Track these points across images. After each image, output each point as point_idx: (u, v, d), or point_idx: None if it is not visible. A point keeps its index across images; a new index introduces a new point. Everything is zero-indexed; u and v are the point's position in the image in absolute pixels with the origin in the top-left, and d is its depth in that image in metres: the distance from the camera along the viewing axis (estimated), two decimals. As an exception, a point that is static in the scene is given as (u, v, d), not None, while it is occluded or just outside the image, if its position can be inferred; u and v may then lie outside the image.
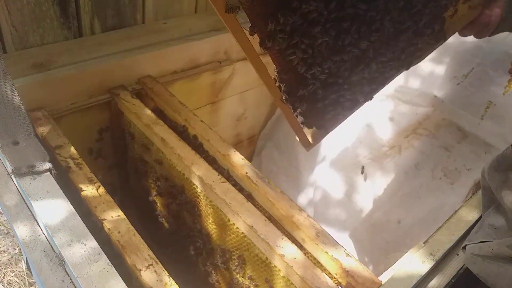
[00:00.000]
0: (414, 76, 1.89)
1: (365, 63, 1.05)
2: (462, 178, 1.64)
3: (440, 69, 1.87)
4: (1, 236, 2.66)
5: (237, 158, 1.41)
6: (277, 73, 0.96)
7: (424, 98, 1.82)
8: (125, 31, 1.76)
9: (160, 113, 1.62)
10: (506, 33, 1.90)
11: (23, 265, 2.49)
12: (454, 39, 1.78)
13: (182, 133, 1.53)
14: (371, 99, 1.16)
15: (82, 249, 1.02)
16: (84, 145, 1.66)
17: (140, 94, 1.67)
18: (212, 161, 1.44)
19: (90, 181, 1.28)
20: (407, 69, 1.19)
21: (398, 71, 1.18)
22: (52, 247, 1.07)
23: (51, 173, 1.18)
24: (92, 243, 1.03)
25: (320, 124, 1.14)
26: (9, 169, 1.18)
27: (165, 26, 1.82)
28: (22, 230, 1.11)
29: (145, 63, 1.68)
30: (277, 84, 0.98)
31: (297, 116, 1.07)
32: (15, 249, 2.63)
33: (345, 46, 0.96)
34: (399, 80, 1.93)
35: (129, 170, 1.79)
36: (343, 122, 1.18)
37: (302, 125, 1.11)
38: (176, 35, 1.78)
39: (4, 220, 2.74)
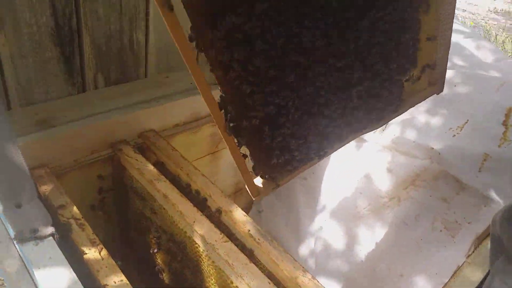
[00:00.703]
0: (410, 128, 1.94)
1: (316, 106, 1.01)
2: (463, 231, 1.65)
3: (436, 121, 1.92)
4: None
5: (239, 215, 1.42)
6: (220, 96, 0.92)
7: (421, 150, 1.85)
8: (128, 85, 1.79)
9: (162, 167, 1.63)
10: (498, 83, 1.97)
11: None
12: (447, 90, 1.84)
13: (185, 188, 1.54)
14: (323, 157, 1.10)
15: (86, 321, 0.99)
16: (86, 201, 1.65)
17: (142, 148, 1.68)
18: (214, 218, 1.43)
19: (93, 243, 1.27)
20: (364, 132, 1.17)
21: (354, 133, 1.15)
22: (53, 317, 1.05)
23: (54, 238, 1.17)
24: (96, 315, 1.01)
25: (268, 171, 1.05)
26: (12, 233, 1.16)
27: (167, 80, 1.86)
28: (22, 299, 1.09)
29: (148, 118, 1.70)
30: (221, 111, 0.93)
31: (245, 157, 0.99)
32: (6, 298, 2.55)
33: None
34: (395, 131, 1.97)
35: (130, 224, 1.77)
36: (297, 176, 1.10)
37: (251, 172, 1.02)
38: (179, 88, 1.81)
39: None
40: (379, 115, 1.18)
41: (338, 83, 1.03)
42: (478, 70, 1.98)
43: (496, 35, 5.46)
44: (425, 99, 1.27)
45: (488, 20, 6.23)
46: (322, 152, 1.10)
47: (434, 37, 1.18)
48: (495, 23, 6.15)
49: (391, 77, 1.13)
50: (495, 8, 6.78)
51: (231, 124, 0.94)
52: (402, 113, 1.25)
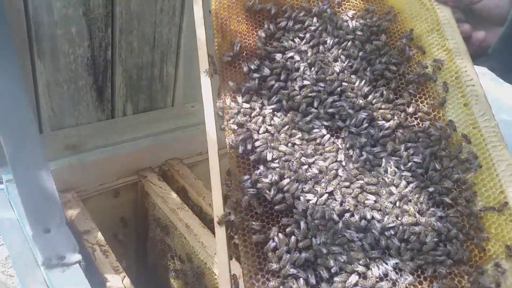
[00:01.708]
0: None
1: None
2: None
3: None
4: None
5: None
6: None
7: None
8: (155, 113, 1.84)
9: (184, 195, 1.65)
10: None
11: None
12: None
13: (206, 218, 1.55)
14: None
15: None
16: (109, 225, 1.68)
17: (166, 175, 1.71)
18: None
19: (116, 271, 1.29)
20: None
21: None
22: None
23: (80, 265, 1.19)
24: None
25: None
26: (40, 259, 1.19)
27: (193, 109, 1.90)
28: (46, 325, 1.10)
29: (173, 146, 1.74)
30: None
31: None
32: (20, 315, 2.56)
33: None
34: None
35: (149, 250, 1.79)
36: None
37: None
38: (203, 118, 1.84)
39: (12, 283, 2.70)
40: None
41: None
42: (502, 115, 1.97)
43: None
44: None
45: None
46: None
47: None
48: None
49: None
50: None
51: None
52: None
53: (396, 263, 0.87)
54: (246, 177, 0.94)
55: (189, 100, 1.93)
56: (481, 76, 1.15)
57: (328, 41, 1.14)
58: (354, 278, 0.84)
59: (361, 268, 0.85)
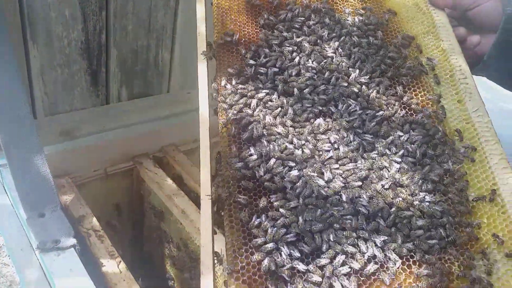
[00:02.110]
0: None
1: None
2: None
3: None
4: (3, 290, 2.61)
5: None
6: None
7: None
8: (151, 99, 1.83)
9: (180, 181, 1.64)
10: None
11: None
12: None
13: (202, 204, 1.55)
14: None
15: (104, 336, 1.00)
16: (104, 211, 1.67)
17: (161, 162, 1.70)
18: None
19: (111, 256, 1.28)
20: None
21: None
22: (71, 329, 1.06)
23: (75, 249, 1.19)
24: (114, 330, 1.01)
25: None
26: (34, 243, 1.18)
27: (189, 96, 1.88)
28: (41, 308, 1.10)
29: (169, 132, 1.73)
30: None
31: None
32: (16, 304, 2.56)
33: None
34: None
35: (144, 237, 1.78)
36: None
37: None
38: (199, 104, 1.84)
39: (7, 272, 2.69)
40: None
41: None
42: (501, 103, 1.98)
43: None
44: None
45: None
46: None
47: None
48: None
49: None
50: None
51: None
52: None
53: (384, 241, 0.86)
54: (236, 153, 0.94)
55: (185, 86, 1.91)
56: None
57: (326, 34, 1.16)
58: (341, 258, 0.84)
59: (350, 248, 0.85)
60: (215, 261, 0.86)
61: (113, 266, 1.25)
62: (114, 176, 1.63)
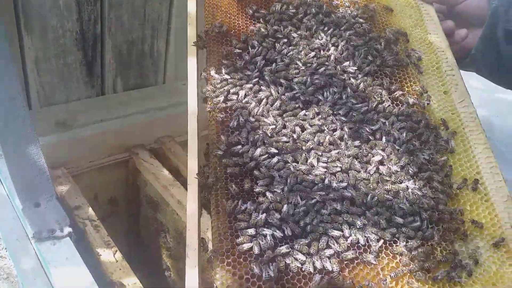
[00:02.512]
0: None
1: None
2: None
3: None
4: (0, 281, 2.61)
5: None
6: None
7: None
8: (146, 90, 1.82)
9: (177, 172, 1.65)
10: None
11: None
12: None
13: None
14: None
15: (100, 323, 1.01)
16: (99, 202, 1.67)
17: (158, 153, 1.70)
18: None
19: (107, 245, 1.29)
20: None
21: None
22: (68, 317, 1.06)
23: (71, 238, 1.19)
24: (110, 317, 1.02)
25: None
26: (30, 232, 1.19)
27: (184, 87, 1.86)
28: (38, 297, 1.10)
29: (164, 123, 1.72)
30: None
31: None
32: (13, 295, 2.57)
33: None
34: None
35: (141, 228, 1.79)
36: None
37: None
38: (195, 96, 1.83)
39: (4, 265, 2.70)
40: None
41: None
42: (496, 94, 1.99)
43: None
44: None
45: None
46: None
47: None
48: None
49: None
50: None
51: None
52: None
53: (364, 224, 0.87)
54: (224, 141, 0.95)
55: (180, 77, 1.90)
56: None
57: (313, 26, 1.17)
58: (325, 240, 0.84)
59: (335, 233, 0.86)
60: (201, 247, 0.86)
61: (109, 255, 1.26)
62: (110, 167, 1.63)
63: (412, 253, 0.85)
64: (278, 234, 0.84)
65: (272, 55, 1.11)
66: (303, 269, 0.82)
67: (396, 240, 0.88)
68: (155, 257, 1.70)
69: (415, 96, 1.11)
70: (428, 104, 1.09)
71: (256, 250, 0.82)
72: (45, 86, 1.59)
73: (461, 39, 1.22)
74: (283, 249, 0.83)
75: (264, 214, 0.86)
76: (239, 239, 0.84)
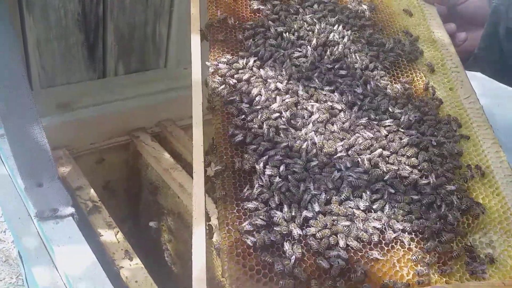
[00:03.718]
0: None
1: None
2: None
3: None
4: (-1, 264, 2.63)
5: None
6: None
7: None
8: (147, 74, 1.82)
9: (178, 157, 1.65)
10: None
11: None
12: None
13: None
14: None
15: (103, 301, 1.02)
16: (100, 184, 1.68)
17: (159, 137, 1.71)
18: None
19: (109, 226, 1.30)
20: None
21: None
22: (70, 295, 1.07)
23: (73, 218, 1.20)
24: (113, 295, 1.03)
25: None
26: (32, 211, 1.19)
27: (186, 72, 1.88)
28: (40, 275, 1.11)
29: (166, 107, 1.73)
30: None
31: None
32: (12, 278, 2.59)
33: None
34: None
35: (141, 211, 1.80)
36: None
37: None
38: (196, 80, 1.83)
39: (3, 248, 2.71)
40: None
41: None
42: (498, 83, 1.99)
43: None
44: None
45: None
46: None
47: None
48: None
49: None
50: None
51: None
52: None
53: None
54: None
55: (182, 62, 1.90)
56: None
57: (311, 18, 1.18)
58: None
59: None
60: (207, 233, 0.85)
61: (111, 236, 1.27)
62: (111, 149, 1.64)
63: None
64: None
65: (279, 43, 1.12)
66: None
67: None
68: (155, 239, 1.71)
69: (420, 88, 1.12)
70: (433, 95, 1.10)
71: (259, 221, 0.82)
72: (46, 68, 1.58)
73: (461, 42, 1.25)
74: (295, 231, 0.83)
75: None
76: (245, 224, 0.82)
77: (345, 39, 1.14)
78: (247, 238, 0.81)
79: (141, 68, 1.81)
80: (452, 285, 0.82)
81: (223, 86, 1.02)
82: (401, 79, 1.13)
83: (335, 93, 1.04)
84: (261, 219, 0.83)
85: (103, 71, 1.73)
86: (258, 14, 1.19)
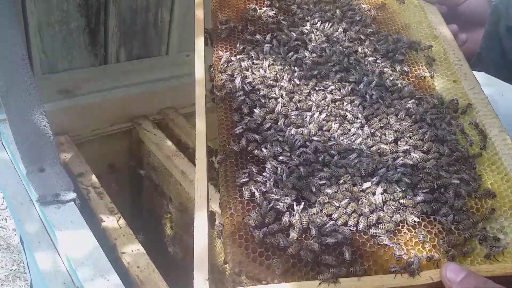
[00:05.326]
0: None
1: None
2: None
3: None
4: (0, 252, 2.63)
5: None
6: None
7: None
8: (149, 61, 1.80)
9: (180, 144, 1.65)
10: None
11: (21, 283, 2.46)
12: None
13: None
14: None
15: (105, 285, 1.02)
16: (102, 171, 1.67)
17: (161, 124, 1.70)
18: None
19: (111, 212, 1.29)
20: None
21: None
22: (72, 279, 1.07)
23: (75, 203, 1.19)
24: (115, 280, 1.03)
25: None
26: (34, 196, 1.19)
27: (188, 59, 1.86)
28: (42, 259, 1.11)
29: (168, 94, 1.71)
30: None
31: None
32: (13, 265, 2.59)
33: None
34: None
35: (143, 198, 1.80)
36: None
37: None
38: (199, 68, 1.82)
39: (4, 235, 2.71)
40: None
41: None
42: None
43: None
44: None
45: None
46: None
47: None
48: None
49: None
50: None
51: None
52: None
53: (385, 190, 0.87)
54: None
55: (184, 48, 1.88)
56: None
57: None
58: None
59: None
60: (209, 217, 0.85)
61: (112, 221, 1.26)
62: (113, 136, 1.63)
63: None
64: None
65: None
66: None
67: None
68: (157, 226, 1.71)
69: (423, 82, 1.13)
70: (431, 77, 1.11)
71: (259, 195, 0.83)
72: (47, 53, 1.56)
73: (462, 43, 1.24)
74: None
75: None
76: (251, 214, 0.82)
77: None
78: (248, 217, 0.81)
79: (143, 54, 1.80)
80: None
81: (227, 80, 1.02)
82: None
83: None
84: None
85: (105, 56, 1.71)
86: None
